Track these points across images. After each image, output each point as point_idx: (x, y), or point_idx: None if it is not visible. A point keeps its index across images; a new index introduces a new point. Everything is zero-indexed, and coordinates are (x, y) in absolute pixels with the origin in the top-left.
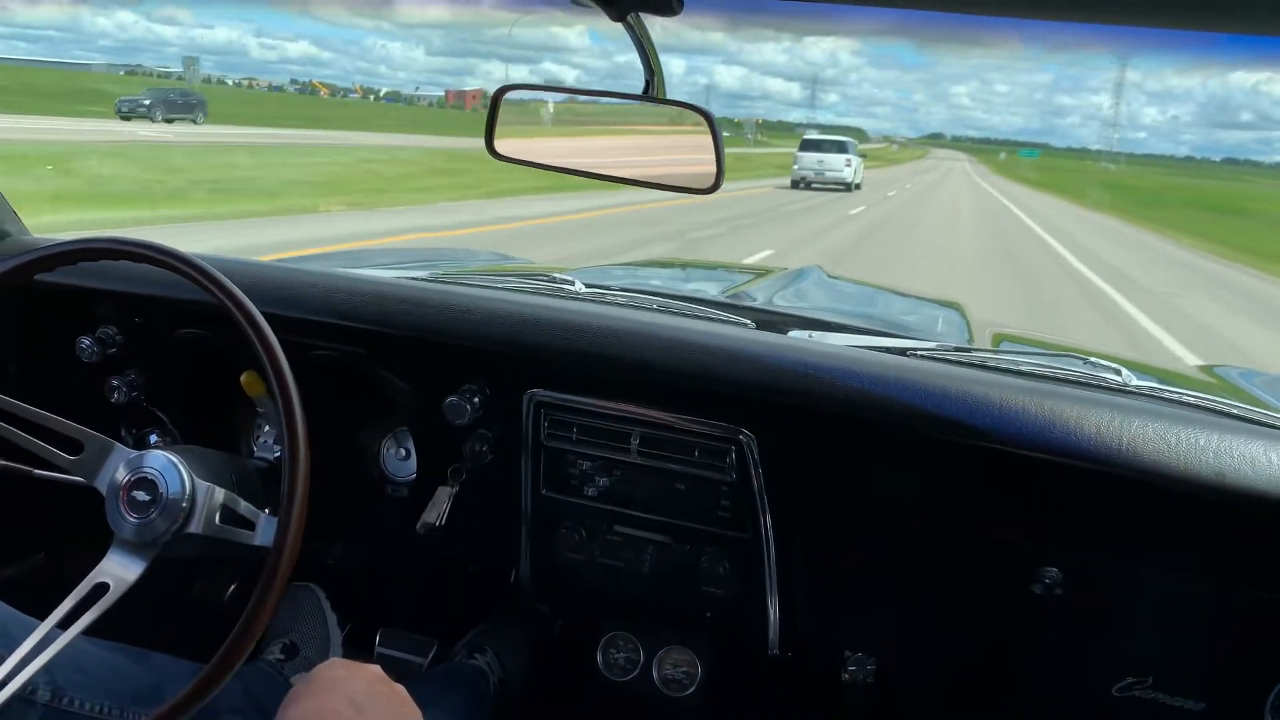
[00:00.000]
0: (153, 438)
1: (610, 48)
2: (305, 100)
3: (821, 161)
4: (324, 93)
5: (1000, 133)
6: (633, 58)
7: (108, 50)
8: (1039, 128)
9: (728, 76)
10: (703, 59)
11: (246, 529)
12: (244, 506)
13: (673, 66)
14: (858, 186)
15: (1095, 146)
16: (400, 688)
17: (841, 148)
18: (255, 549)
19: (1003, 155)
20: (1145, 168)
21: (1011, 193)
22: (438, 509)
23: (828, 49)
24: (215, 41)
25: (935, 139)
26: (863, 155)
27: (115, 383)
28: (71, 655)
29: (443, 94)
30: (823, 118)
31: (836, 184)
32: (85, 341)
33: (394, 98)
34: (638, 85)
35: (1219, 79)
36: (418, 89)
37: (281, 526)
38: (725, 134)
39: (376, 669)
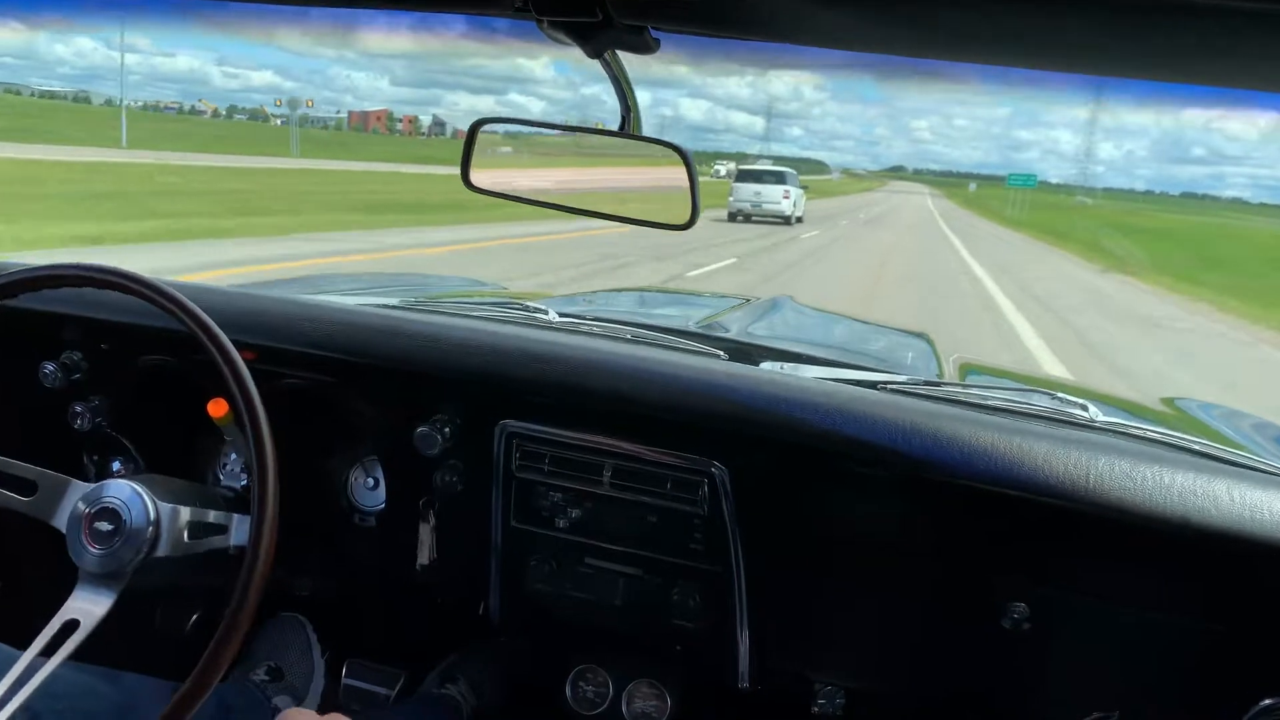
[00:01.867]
0: (115, 465)
1: (576, 79)
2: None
3: (759, 193)
4: (209, 111)
5: (961, 166)
6: (599, 90)
7: (67, 78)
8: (998, 161)
9: (693, 110)
10: (668, 92)
11: (219, 535)
12: (214, 515)
13: (639, 98)
14: (798, 220)
15: (1055, 180)
16: None
17: (780, 179)
18: (227, 559)
19: (973, 186)
20: (1124, 201)
21: (999, 257)
22: (426, 547)
23: (791, 83)
24: (177, 69)
25: (897, 172)
26: (805, 188)
27: (79, 409)
28: (41, 680)
29: (345, 115)
30: (786, 150)
31: (774, 217)
32: (49, 367)
33: (257, 115)
34: (604, 116)
35: (1171, 116)
36: (279, 105)
37: (256, 522)
38: None
39: (336, 717)
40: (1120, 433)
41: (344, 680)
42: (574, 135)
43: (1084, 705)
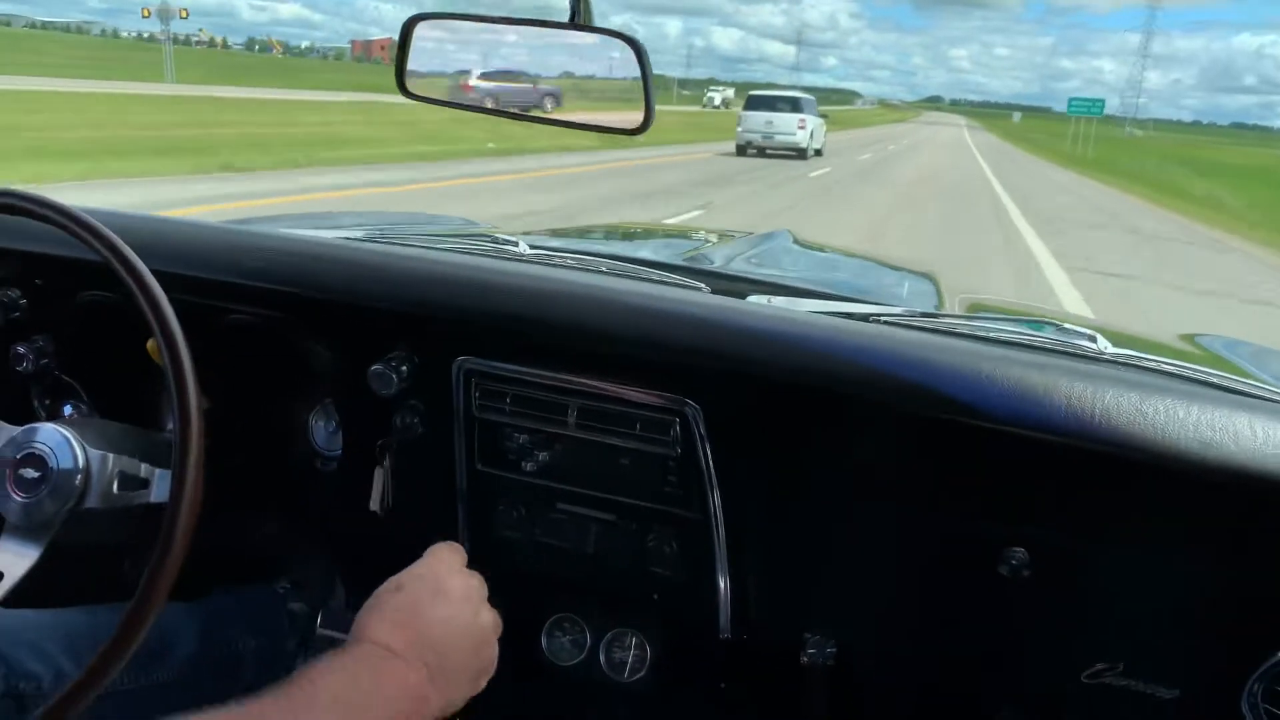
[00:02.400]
0: (67, 409)
1: (605, 8)
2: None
3: (770, 123)
4: (277, 49)
5: (1000, 97)
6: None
7: (96, 11)
8: (1039, 92)
9: (724, 39)
10: (699, 20)
11: (143, 489)
12: (141, 468)
13: (668, 28)
14: (817, 153)
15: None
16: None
17: (795, 106)
18: (153, 508)
19: (1017, 117)
20: (1176, 133)
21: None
22: (378, 493)
23: (826, 11)
24: (205, 4)
25: (933, 102)
26: (824, 116)
27: (21, 350)
28: (65, 629)
29: (348, 45)
30: (820, 81)
31: (788, 149)
32: None
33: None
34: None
35: (1222, 42)
36: (268, 37)
37: (176, 479)
38: (686, 94)
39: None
40: (1131, 365)
41: (318, 630)
42: (521, 30)
43: (1087, 656)
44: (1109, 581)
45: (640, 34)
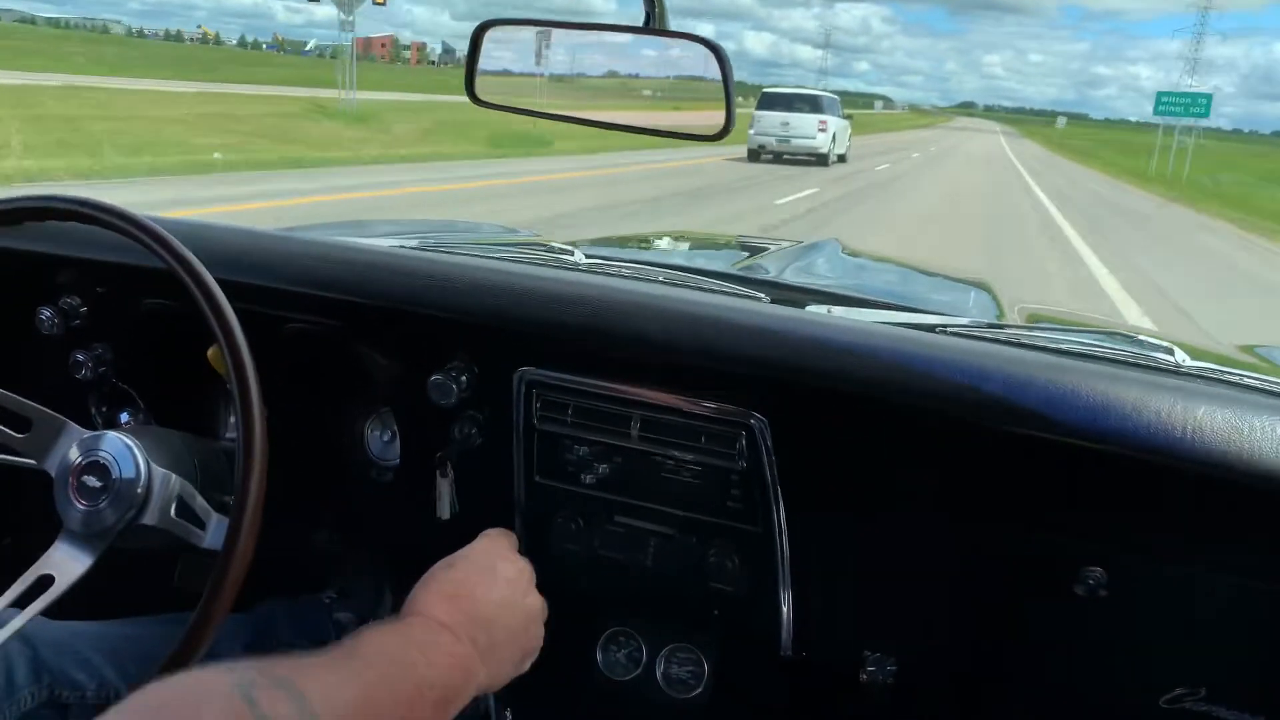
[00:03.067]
0: (123, 416)
1: (635, 9)
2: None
3: (787, 124)
4: (210, 37)
5: (1034, 103)
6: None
7: (135, 14)
8: (1074, 99)
9: (757, 44)
10: (731, 24)
11: (198, 528)
12: (199, 502)
13: (700, 32)
14: (840, 159)
15: (1133, 118)
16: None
17: (816, 105)
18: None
19: (1062, 122)
20: (1224, 141)
21: None
22: (445, 501)
23: (859, 16)
24: (242, 5)
25: (966, 108)
26: (848, 118)
27: (80, 357)
28: (110, 641)
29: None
30: (852, 86)
31: (808, 154)
32: (45, 313)
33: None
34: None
35: (1263, 49)
36: (196, 26)
37: (231, 530)
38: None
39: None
40: (1214, 379)
41: None
42: (593, 35)
43: (1166, 680)
44: (1191, 603)
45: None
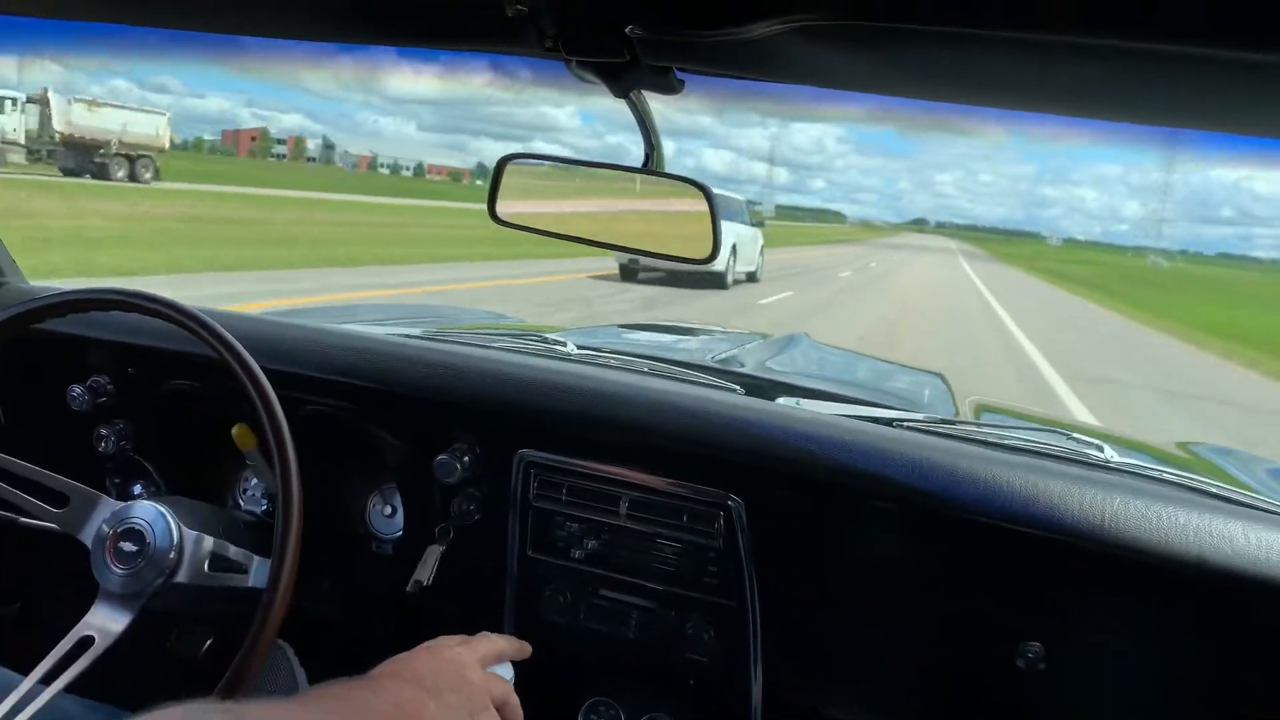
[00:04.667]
0: (136, 488)
1: (600, 129)
2: None
3: None
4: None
5: (985, 221)
6: (622, 139)
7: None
8: (1023, 218)
9: (716, 160)
10: (693, 142)
11: (239, 573)
12: (234, 551)
13: (664, 147)
14: (750, 278)
15: (1081, 237)
16: (497, 677)
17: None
18: (243, 596)
19: (1057, 240)
20: (1204, 265)
21: None
22: (428, 567)
23: (814, 135)
24: (209, 111)
25: (918, 225)
26: (759, 225)
27: (104, 432)
28: (51, 715)
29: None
30: (807, 202)
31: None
32: (77, 390)
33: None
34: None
35: (1199, 174)
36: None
37: (276, 565)
38: None
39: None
40: (1136, 474)
41: None
42: (599, 172)
43: None
44: (1123, 674)
45: (634, 154)
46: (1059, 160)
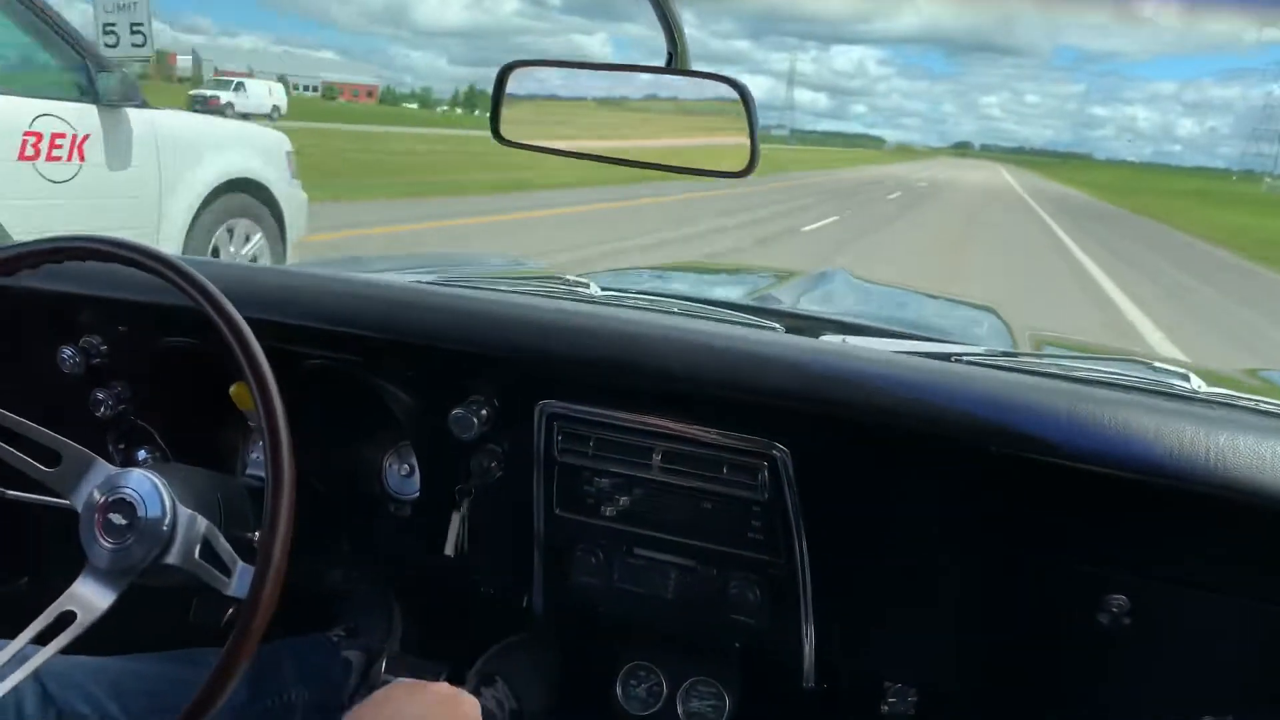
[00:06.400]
0: (141, 454)
1: (636, 56)
2: None
3: None
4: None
5: (1032, 144)
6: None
7: None
8: (1070, 140)
9: (755, 87)
10: (729, 68)
11: (223, 574)
12: (223, 548)
13: (696, 64)
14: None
15: (1132, 159)
16: (468, 707)
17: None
18: (226, 601)
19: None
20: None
21: None
22: (453, 538)
23: (854, 59)
24: (241, 49)
25: (962, 148)
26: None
27: (100, 395)
28: (112, 676)
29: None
30: (849, 127)
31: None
32: (67, 352)
33: None
34: None
35: (1260, 89)
36: None
37: (257, 578)
38: None
39: (443, 688)
40: (1231, 405)
41: (383, 675)
42: (617, 75)
43: (1191, 709)
44: (1217, 631)
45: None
46: (1110, 79)
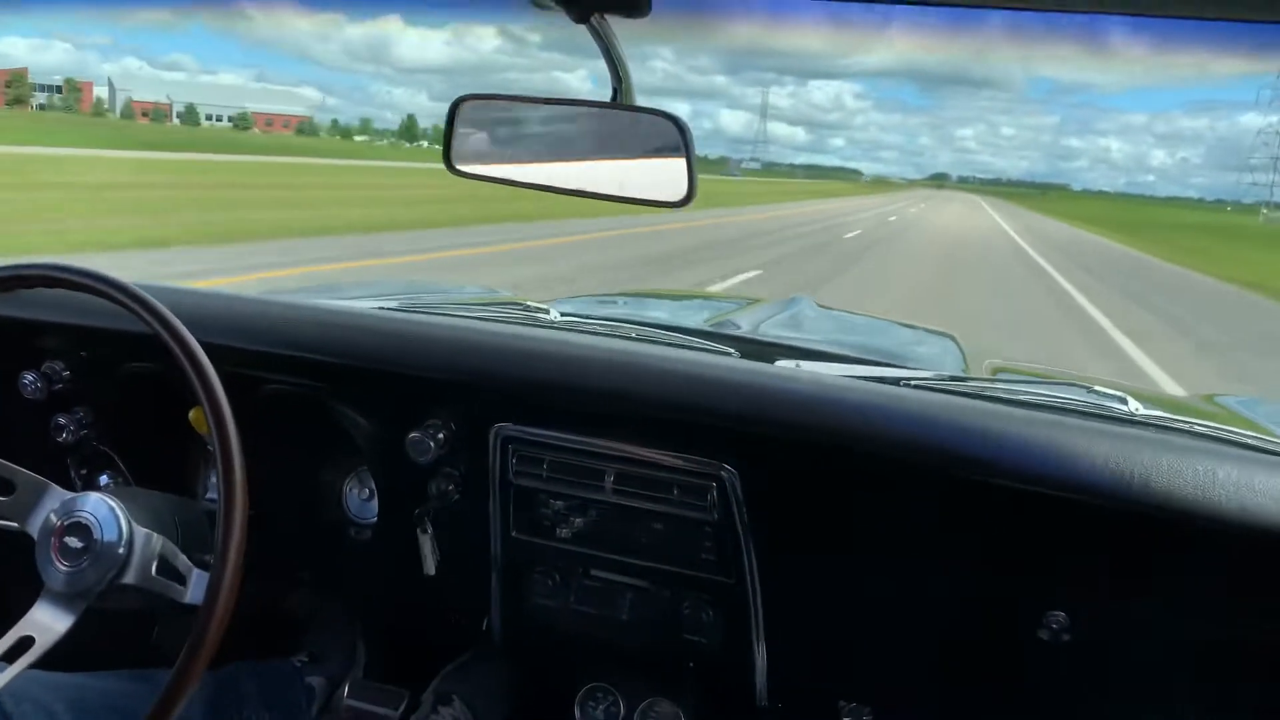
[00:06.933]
0: (103, 478)
1: (609, 93)
2: None
3: None
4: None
5: (1009, 175)
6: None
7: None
8: (1046, 170)
9: (733, 121)
10: (707, 104)
11: (179, 584)
12: (180, 560)
13: (679, 108)
14: None
15: (1108, 189)
16: None
17: None
18: (185, 606)
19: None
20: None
21: None
22: (430, 558)
23: (831, 93)
24: (221, 86)
25: (939, 180)
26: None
27: (62, 421)
28: (70, 691)
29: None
30: (827, 160)
31: None
32: (29, 377)
33: None
34: None
35: (1228, 121)
36: None
37: (212, 586)
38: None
39: None
40: (1164, 426)
41: (345, 701)
42: (565, 109)
43: (1134, 718)
44: (1153, 644)
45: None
46: (1084, 111)
